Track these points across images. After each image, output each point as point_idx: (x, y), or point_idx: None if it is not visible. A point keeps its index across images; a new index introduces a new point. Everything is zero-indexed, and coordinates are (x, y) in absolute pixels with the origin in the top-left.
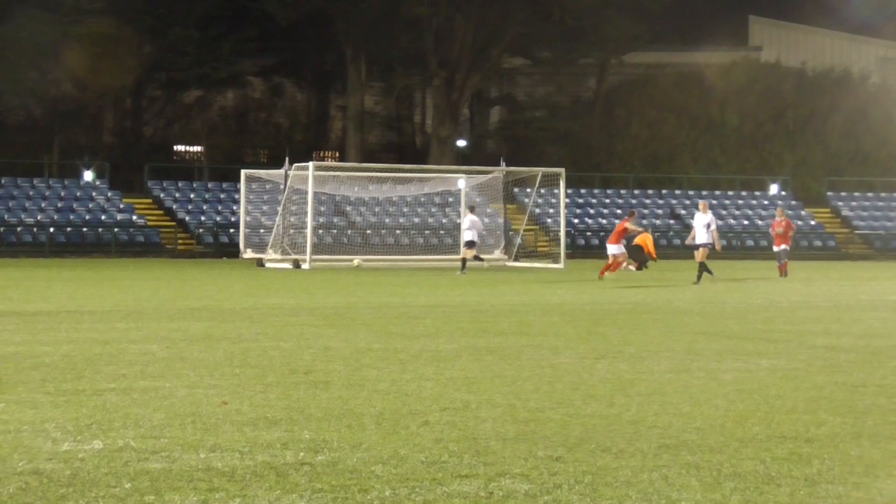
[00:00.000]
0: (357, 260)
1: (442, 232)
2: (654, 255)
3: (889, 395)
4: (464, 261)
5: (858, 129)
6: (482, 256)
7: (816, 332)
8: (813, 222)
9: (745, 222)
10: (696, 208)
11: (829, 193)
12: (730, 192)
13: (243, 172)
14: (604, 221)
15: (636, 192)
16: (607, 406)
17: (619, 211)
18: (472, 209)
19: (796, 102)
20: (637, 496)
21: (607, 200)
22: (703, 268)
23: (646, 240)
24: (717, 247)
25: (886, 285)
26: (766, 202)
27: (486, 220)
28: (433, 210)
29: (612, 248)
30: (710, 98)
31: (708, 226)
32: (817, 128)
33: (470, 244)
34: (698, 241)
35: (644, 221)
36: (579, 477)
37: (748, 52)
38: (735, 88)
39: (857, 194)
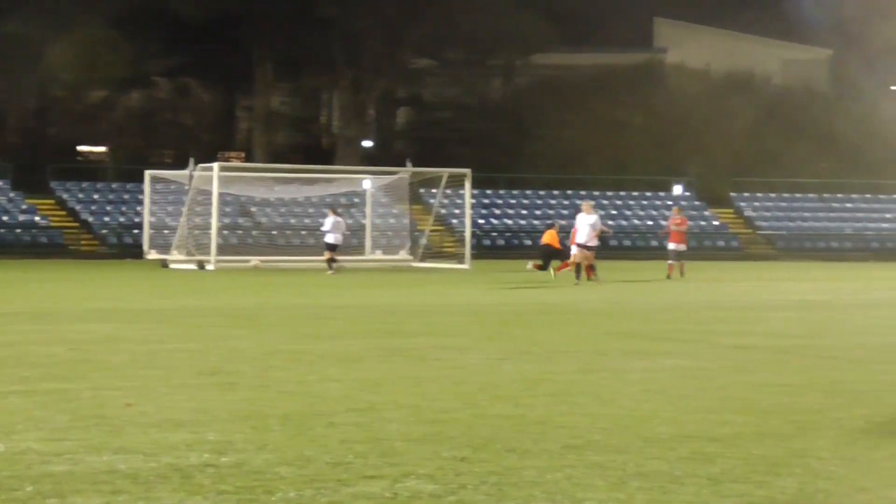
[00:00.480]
0: (255, 261)
1: (348, 233)
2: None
3: (792, 395)
4: (330, 260)
5: (762, 130)
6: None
7: (722, 332)
8: (717, 223)
9: (650, 223)
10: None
11: (733, 194)
12: (635, 193)
13: (148, 173)
14: (510, 222)
15: (542, 192)
16: (513, 406)
17: (524, 212)
18: (334, 210)
19: (701, 103)
20: (542, 496)
21: (514, 201)
22: (579, 268)
23: (553, 239)
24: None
25: (789, 285)
26: (669, 202)
27: (393, 220)
28: (339, 211)
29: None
30: (617, 99)
31: (593, 226)
32: (721, 129)
33: (331, 247)
34: (580, 241)
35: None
36: (485, 477)
37: (654, 54)
38: (641, 90)
39: (760, 195)
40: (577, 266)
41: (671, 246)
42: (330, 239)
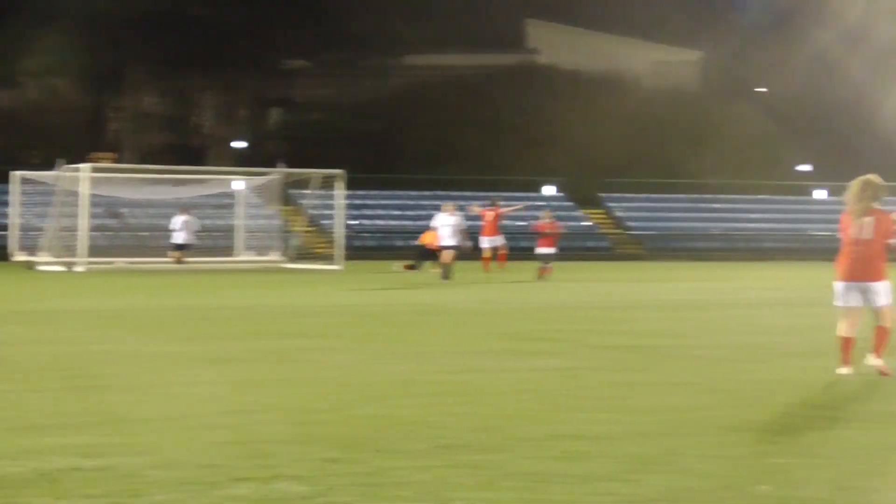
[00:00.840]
0: (119, 262)
1: (218, 234)
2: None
3: (661, 394)
4: (179, 260)
5: (632, 131)
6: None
7: (593, 331)
8: (587, 223)
9: (522, 223)
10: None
11: (603, 195)
12: (506, 193)
13: (15, 174)
14: (382, 223)
15: (415, 193)
16: (385, 407)
17: (397, 213)
18: (185, 210)
19: (572, 104)
20: (412, 496)
21: (387, 202)
22: (448, 269)
23: (432, 238)
24: (465, 245)
25: (659, 286)
26: (541, 203)
27: (264, 221)
28: (210, 212)
29: (496, 240)
30: (489, 100)
31: (455, 227)
32: (592, 129)
33: (179, 247)
34: (446, 242)
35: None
36: (355, 478)
37: (525, 55)
38: (513, 91)
39: (629, 195)
40: (447, 266)
41: (541, 249)
42: (178, 239)
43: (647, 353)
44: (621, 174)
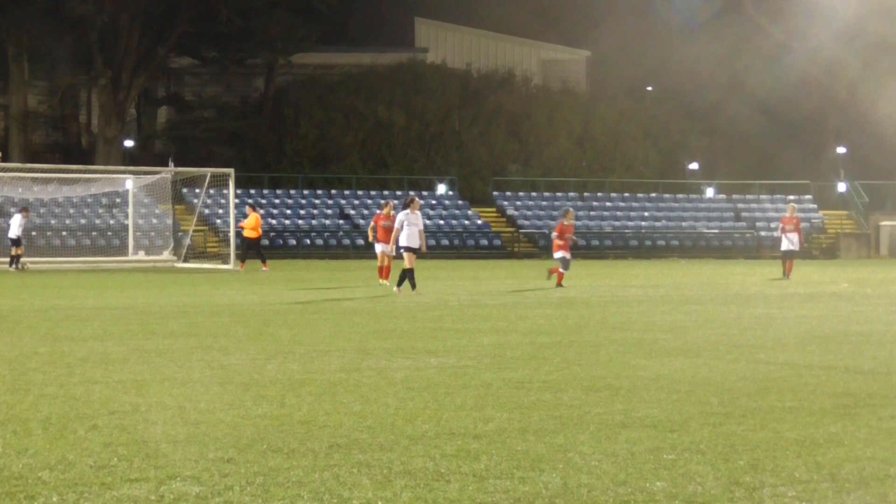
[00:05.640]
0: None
1: (110, 233)
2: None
3: (553, 391)
4: (14, 259)
5: (522, 129)
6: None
7: (484, 329)
8: (479, 221)
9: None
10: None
11: (495, 193)
12: (398, 192)
13: None
14: (273, 221)
15: (306, 192)
16: (278, 406)
17: (288, 211)
18: (24, 210)
19: (462, 103)
20: (308, 496)
21: (277, 201)
22: (410, 273)
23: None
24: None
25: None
26: (433, 202)
27: (155, 220)
28: (100, 211)
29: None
30: (379, 98)
31: (417, 228)
32: (483, 128)
33: (15, 242)
34: (413, 244)
35: (314, 221)
36: (251, 478)
37: (415, 54)
38: (402, 89)
39: (521, 194)
40: (411, 272)
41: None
42: (13, 235)
43: (538, 350)
44: (512, 172)
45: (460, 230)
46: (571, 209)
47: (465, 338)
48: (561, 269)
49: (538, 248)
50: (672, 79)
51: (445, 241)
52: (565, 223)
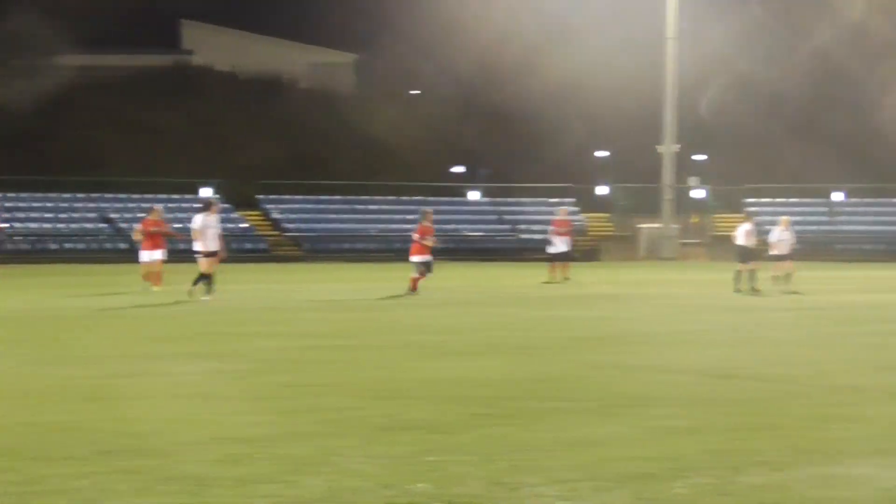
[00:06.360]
0: None
1: None
2: None
3: (320, 395)
4: None
5: (291, 132)
6: None
7: (253, 333)
8: (244, 225)
9: (179, 225)
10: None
11: (260, 197)
12: (161, 196)
13: None
14: (35, 226)
15: (67, 196)
16: (42, 413)
17: (50, 216)
18: None
19: (229, 106)
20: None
21: (39, 205)
22: (208, 278)
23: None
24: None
25: (316, 286)
26: (197, 205)
27: None
28: None
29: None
30: (145, 101)
31: (216, 231)
32: (249, 131)
33: None
34: (211, 248)
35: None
36: (11, 486)
37: (180, 56)
38: (168, 92)
39: (287, 197)
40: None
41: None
42: None
43: (305, 354)
44: (278, 176)
45: (224, 234)
46: (431, 211)
47: (235, 342)
48: (417, 274)
49: (303, 251)
50: (437, 81)
51: None
52: (426, 225)
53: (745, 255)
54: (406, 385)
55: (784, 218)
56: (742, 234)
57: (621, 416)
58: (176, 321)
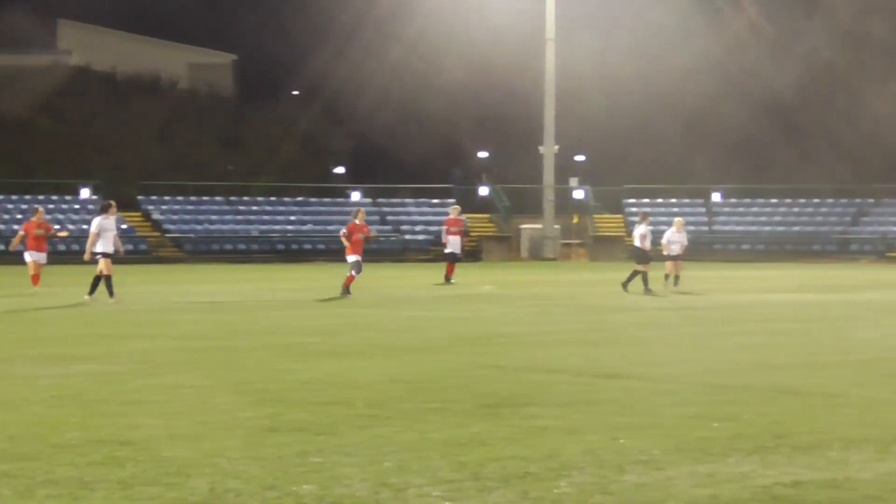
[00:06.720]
0: None
1: None
2: None
3: (201, 396)
4: None
5: (170, 132)
6: None
7: (132, 335)
8: (124, 226)
9: (57, 226)
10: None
11: (141, 197)
12: (40, 197)
13: None
14: None
15: None
16: None
17: None
18: None
19: (107, 107)
20: None
21: None
22: (108, 280)
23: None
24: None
25: (198, 288)
26: (77, 206)
27: None
28: None
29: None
30: (21, 101)
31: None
32: (129, 132)
33: None
34: (110, 250)
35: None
36: None
37: (57, 56)
38: (45, 92)
39: (167, 198)
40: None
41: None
42: None
43: (185, 356)
44: (158, 176)
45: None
46: (363, 209)
47: (115, 344)
48: (353, 273)
49: (184, 252)
50: (319, 82)
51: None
52: (356, 223)
53: (641, 256)
54: (289, 386)
55: (678, 220)
56: (638, 235)
57: (503, 417)
58: (52, 324)
